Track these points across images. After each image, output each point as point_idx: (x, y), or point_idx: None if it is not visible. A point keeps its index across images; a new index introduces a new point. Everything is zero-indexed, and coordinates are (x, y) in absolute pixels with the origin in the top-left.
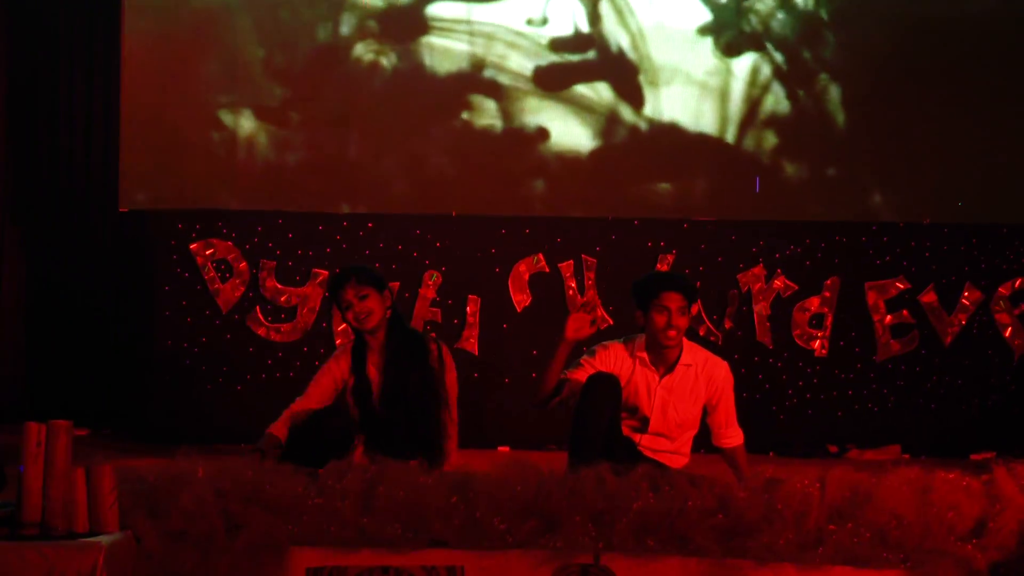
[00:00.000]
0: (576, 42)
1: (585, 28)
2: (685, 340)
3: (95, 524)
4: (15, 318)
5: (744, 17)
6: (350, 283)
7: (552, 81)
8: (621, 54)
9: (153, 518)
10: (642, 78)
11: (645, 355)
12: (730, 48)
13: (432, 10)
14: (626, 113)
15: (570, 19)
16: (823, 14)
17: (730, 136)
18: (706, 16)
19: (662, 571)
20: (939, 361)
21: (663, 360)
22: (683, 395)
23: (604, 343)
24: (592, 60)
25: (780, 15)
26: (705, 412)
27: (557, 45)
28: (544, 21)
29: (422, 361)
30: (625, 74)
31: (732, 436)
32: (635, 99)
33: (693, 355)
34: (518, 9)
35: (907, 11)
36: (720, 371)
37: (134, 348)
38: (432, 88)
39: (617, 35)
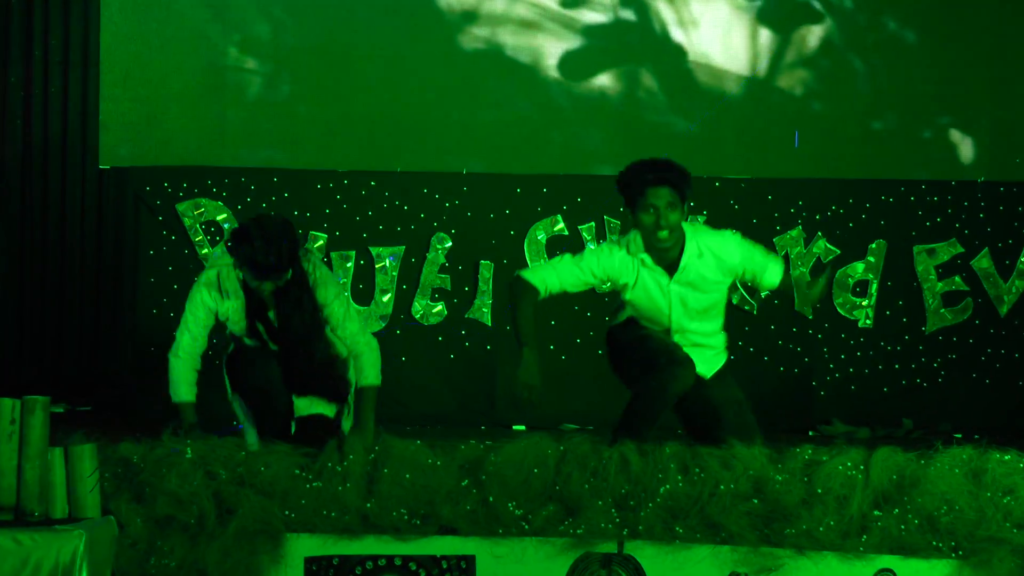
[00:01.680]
0: None
1: None
2: (686, 226)
3: (75, 509)
4: None
5: None
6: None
7: (575, 21)
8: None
9: (138, 503)
10: (672, 23)
11: (647, 256)
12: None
13: None
14: (655, 62)
15: None
16: None
17: (767, 80)
18: None
19: (691, 560)
20: (994, 332)
21: (665, 259)
22: (700, 285)
23: (596, 247)
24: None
25: None
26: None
27: None
28: None
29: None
30: (653, 31)
31: (774, 272)
32: (665, 49)
33: (698, 241)
34: None
35: None
36: (730, 246)
37: (116, 317)
38: (439, 25)
39: None
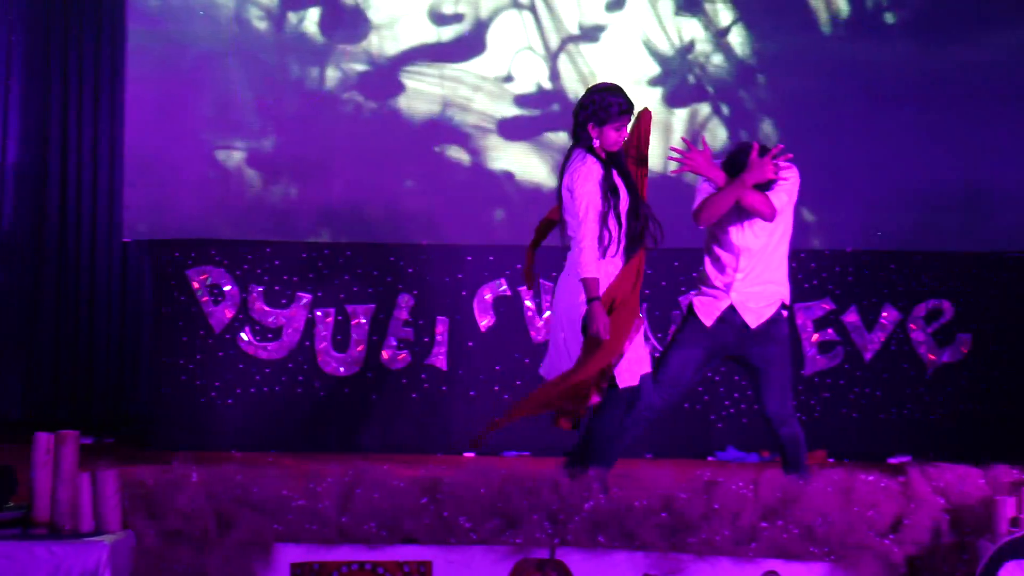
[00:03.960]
0: (538, 96)
1: (547, 84)
2: None
3: (99, 524)
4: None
5: (687, 66)
6: None
7: (516, 129)
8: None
9: (152, 518)
10: None
11: None
12: (674, 96)
13: (408, 65)
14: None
15: (532, 76)
16: (754, 61)
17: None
18: (654, 68)
19: (612, 564)
20: (860, 375)
21: None
22: None
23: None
24: (553, 111)
25: (717, 61)
26: None
27: (520, 99)
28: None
29: None
30: None
31: None
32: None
33: None
34: (486, 66)
35: (829, 55)
36: None
37: (136, 364)
38: (407, 130)
39: (575, 87)
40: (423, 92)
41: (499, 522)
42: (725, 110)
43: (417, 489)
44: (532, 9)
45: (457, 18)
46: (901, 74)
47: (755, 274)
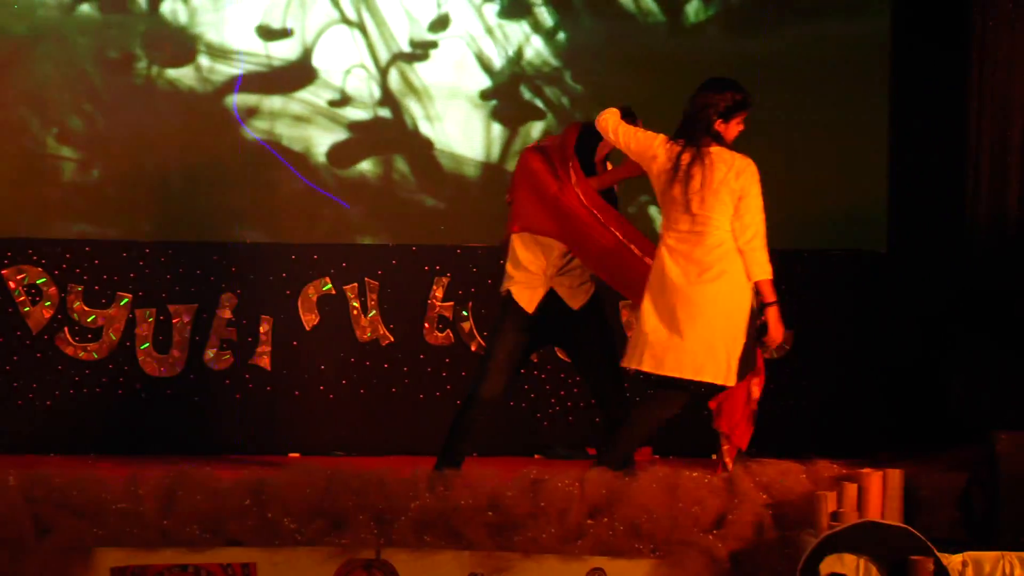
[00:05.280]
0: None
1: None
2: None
3: None
4: None
5: (519, 72)
6: None
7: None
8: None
9: None
10: (421, 118)
11: None
12: (506, 103)
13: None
14: (407, 151)
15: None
16: (578, 60)
17: (499, 164)
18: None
19: (438, 564)
20: None
21: None
22: None
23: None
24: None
25: (543, 62)
26: None
27: (351, 113)
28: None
29: None
30: (405, 125)
31: None
32: (415, 140)
33: None
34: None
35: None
36: None
37: None
38: (227, 118)
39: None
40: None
41: (325, 523)
42: (552, 109)
43: (241, 490)
44: (361, 26)
45: (285, 32)
46: (717, 68)
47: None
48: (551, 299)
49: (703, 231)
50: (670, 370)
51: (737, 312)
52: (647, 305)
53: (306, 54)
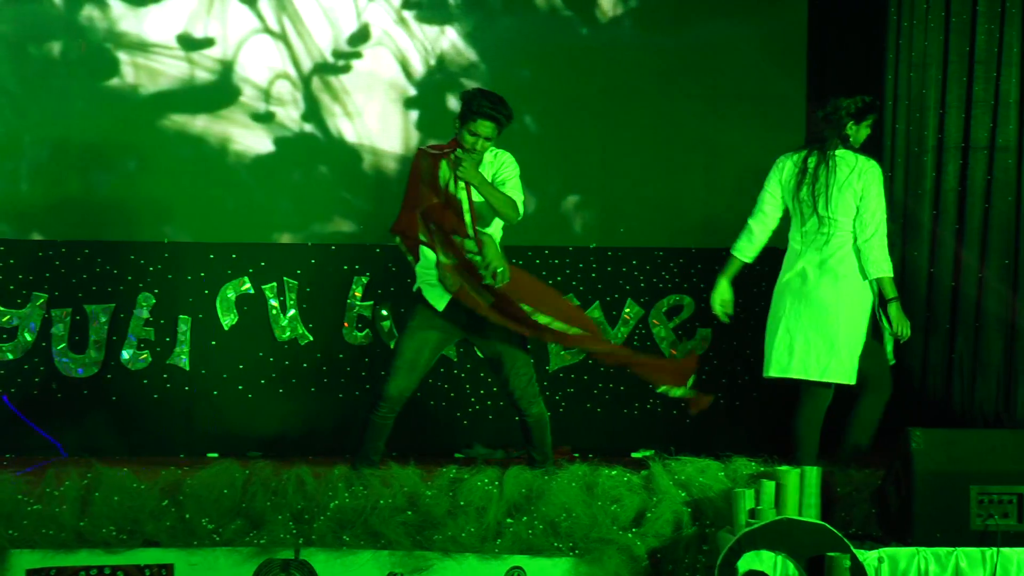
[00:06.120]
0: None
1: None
2: None
3: None
4: None
5: (442, 74)
6: None
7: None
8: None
9: None
10: (340, 115)
11: None
12: (431, 107)
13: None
14: (327, 148)
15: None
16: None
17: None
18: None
19: (356, 563)
20: (604, 370)
21: None
22: None
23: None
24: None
25: (460, 63)
26: None
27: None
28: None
29: None
30: (324, 122)
31: None
32: (333, 136)
33: None
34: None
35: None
36: None
37: None
38: (145, 117)
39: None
40: (161, 66)
41: (243, 523)
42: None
43: (158, 491)
44: (283, 37)
45: (207, 43)
46: (638, 67)
47: None
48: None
49: (829, 232)
50: (797, 373)
51: (859, 312)
52: (775, 311)
53: (228, 58)
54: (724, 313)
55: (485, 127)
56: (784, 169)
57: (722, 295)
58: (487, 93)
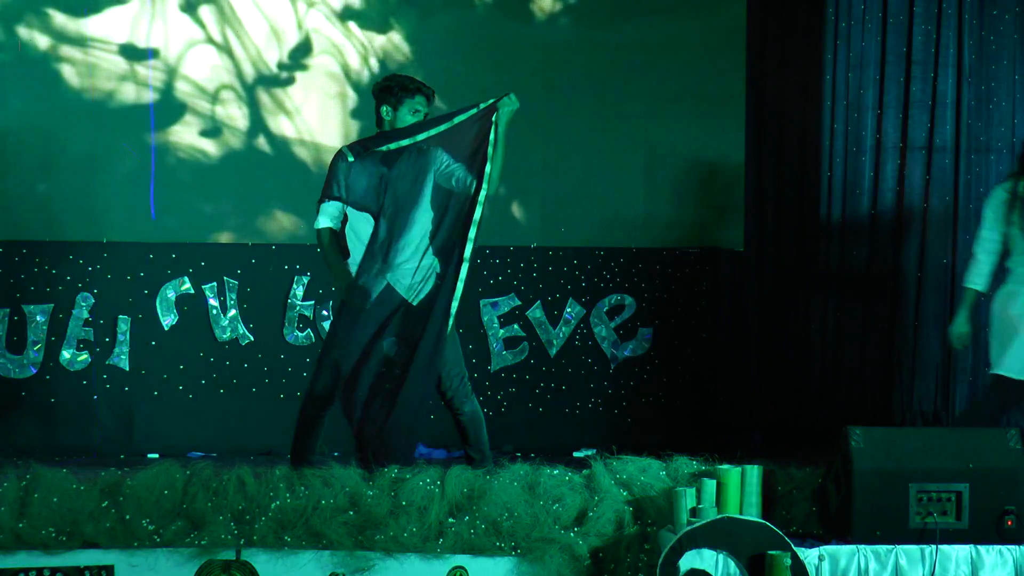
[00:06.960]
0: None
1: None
2: None
3: None
4: None
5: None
6: None
7: (202, 112)
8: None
9: None
10: (278, 110)
11: None
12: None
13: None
14: (267, 146)
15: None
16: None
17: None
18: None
19: (298, 564)
20: (546, 370)
21: None
22: None
23: None
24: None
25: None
26: None
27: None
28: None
29: None
30: (262, 117)
31: None
32: (273, 133)
33: None
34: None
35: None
36: None
37: None
38: (84, 115)
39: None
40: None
41: (183, 524)
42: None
43: (97, 492)
44: (227, 49)
45: (151, 53)
46: (577, 65)
47: None
48: (388, 294)
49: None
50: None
51: None
52: (1004, 314)
53: (168, 57)
54: (962, 345)
55: (422, 101)
56: (997, 196)
57: (960, 328)
58: (402, 75)
